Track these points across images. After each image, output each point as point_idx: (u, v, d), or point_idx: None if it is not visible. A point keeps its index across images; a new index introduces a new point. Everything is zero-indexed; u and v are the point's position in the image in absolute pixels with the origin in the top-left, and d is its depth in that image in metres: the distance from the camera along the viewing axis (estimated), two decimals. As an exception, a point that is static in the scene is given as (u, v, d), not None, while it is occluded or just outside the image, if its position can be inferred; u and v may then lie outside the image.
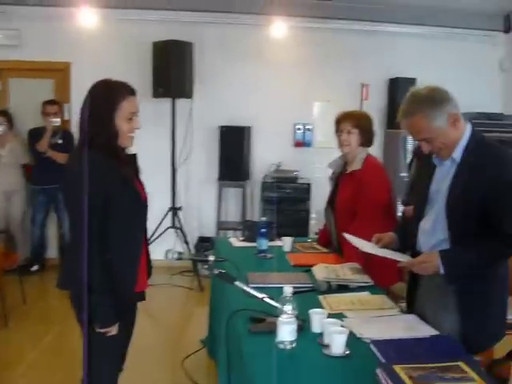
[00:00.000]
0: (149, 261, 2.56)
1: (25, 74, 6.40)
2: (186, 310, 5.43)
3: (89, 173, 2.12)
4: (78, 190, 2.13)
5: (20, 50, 6.25)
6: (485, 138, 2.38)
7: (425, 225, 2.46)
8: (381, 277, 3.14)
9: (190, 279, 6.10)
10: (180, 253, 2.32)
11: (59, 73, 6.39)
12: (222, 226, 6.52)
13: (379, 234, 2.75)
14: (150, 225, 5.90)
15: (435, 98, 2.26)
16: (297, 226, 6.27)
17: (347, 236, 2.91)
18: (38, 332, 4.52)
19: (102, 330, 2.24)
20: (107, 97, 2.30)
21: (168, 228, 6.08)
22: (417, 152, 3.69)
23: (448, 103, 2.27)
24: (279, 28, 6.47)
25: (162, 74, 5.86)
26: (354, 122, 3.50)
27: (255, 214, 6.61)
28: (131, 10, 6.22)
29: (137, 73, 6.11)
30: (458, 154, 2.32)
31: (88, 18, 6.14)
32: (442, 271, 2.27)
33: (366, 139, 3.53)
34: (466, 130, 2.33)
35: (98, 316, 2.22)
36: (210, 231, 6.59)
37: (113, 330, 2.26)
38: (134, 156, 2.48)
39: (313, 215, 5.54)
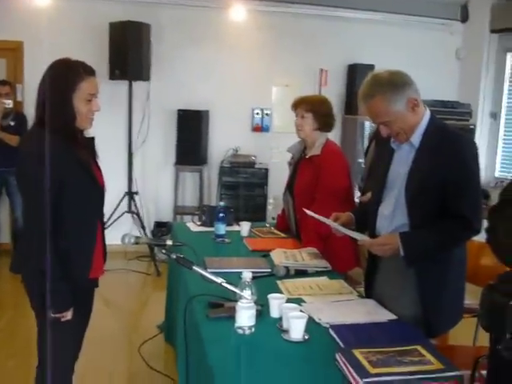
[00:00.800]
0: (104, 247, 2.51)
1: (-26, 53, 6.17)
2: (143, 296, 5.38)
3: (43, 155, 2.05)
4: (31, 173, 2.07)
5: (-32, 27, 6.02)
6: (444, 124, 2.41)
7: (383, 210, 2.47)
8: (339, 262, 3.17)
9: (147, 264, 6.04)
10: (137, 237, 2.28)
11: (11, 52, 6.17)
12: (179, 210, 6.46)
13: (337, 213, 2.75)
14: (106, 209, 5.83)
15: (396, 82, 2.27)
16: (254, 211, 6.30)
17: (308, 212, 2.89)
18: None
19: (57, 315, 2.19)
20: (65, 77, 2.23)
21: (124, 213, 5.99)
22: (374, 137, 3.70)
23: (408, 87, 2.28)
24: (238, 11, 6.40)
25: (119, 55, 5.74)
26: (307, 107, 3.50)
27: (213, 198, 6.57)
28: (87, -12, 6.05)
29: (93, 54, 5.93)
30: (416, 138, 2.34)
31: (40, -5, 5.94)
32: (401, 253, 2.28)
33: (322, 124, 3.51)
34: (425, 115, 2.35)
35: (52, 301, 2.17)
36: (167, 216, 6.52)
37: (67, 315, 2.22)
38: (91, 139, 2.42)
39: (270, 200, 5.54)
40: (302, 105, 3.52)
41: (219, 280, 2.21)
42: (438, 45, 6.91)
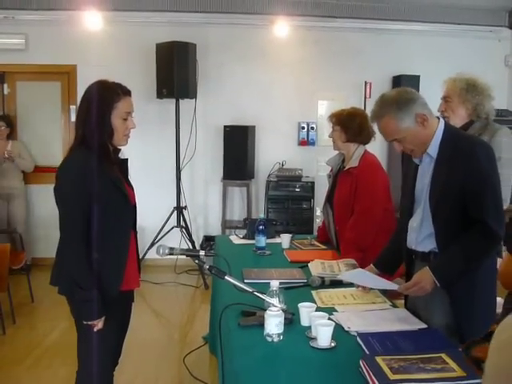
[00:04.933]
0: (138, 261, 2.63)
1: (32, 78, 6.50)
2: (191, 308, 5.49)
3: (78, 172, 2.19)
4: (66, 189, 2.22)
5: (27, 53, 6.36)
6: (458, 132, 2.42)
7: (413, 223, 2.50)
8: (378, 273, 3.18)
9: (196, 278, 6.17)
10: (171, 248, 2.37)
11: (65, 75, 6.49)
12: (227, 224, 6.57)
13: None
14: (156, 225, 6.04)
15: (400, 100, 2.30)
16: (301, 224, 6.34)
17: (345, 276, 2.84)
18: (45, 329, 4.63)
19: (89, 323, 2.32)
20: (104, 96, 2.37)
21: (173, 227, 6.14)
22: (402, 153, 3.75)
23: (414, 104, 2.30)
24: (282, 27, 6.50)
25: (166, 75, 5.92)
26: (336, 120, 3.60)
27: (260, 212, 6.64)
28: (135, 12, 6.29)
29: (141, 74, 6.22)
30: (433, 150, 2.36)
31: (93, 21, 6.23)
32: (438, 284, 2.30)
33: (351, 136, 3.55)
34: (439, 126, 2.36)
35: (82, 310, 2.32)
36: (215, 230, 6.64)
37: (99, 325, 2.34)
38: (125, 160, 2.55)
39: (317, 213, 5.57)
40: (333, 118, 3.63)
41: (250, 289, 2.28)
42: (486, 52, 6.79)
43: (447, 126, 2.39)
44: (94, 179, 2.26)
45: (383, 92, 2.48)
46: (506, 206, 2.62)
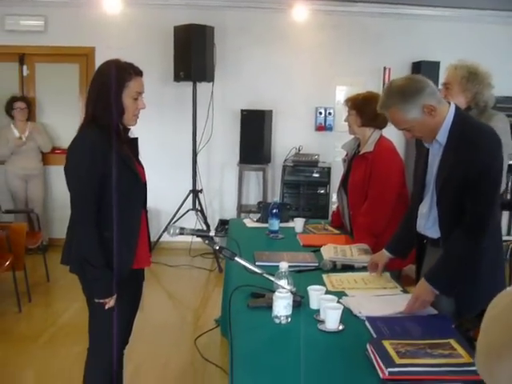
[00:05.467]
0: (149, 240, 2.64)
1: (51, 59, 6.52)
2: (205, 291, 5.51)
3: (87, 150, 2.20)
4: (75, 167, 2.23)
5: (46, 35, 6.37)
6: (467, 119, 2.37)
7: (422, 209, 2.49)
8: (392, 259, 3.15)
9: (211, 261, 6.19)
10: (181, 228, 2.38)
11: (84, 57, 6.50)
12: (242, 209, 6.57)
13: (373, 260, 2.82)
14: (173, 207, 6.06)
15: (407, 91, 2.26)
16: (317, 209, 6.32)
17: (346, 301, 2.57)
18: (59, 308, 4.70)
19: (101, 301, 2.33)
20: (116, 75, 2.38)
21: (189, 210, 6.15)
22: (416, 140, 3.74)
23: (421, 95, 2.25)
24: (301, 11, 6.43)
25: (183, 58, 5.90)
26: (351, 104, 3.55)
27: (276, 197, 6.63)
28: (153, -6, 6.28)
29: (159, 57, 6.22)
30: (442, 136, 2.33)
31: (111, 4, 6.21)
32: (437, 292, 2.28)
33: (367, 120, 3.50)
34: (449, 112, 2.32)
35: (94, 288, 2.35)
36: (231, 214, 6.64)
37: (110, 303, 2.36)
38: (135, 139, 2.56)
39: (333, 199, 5.54)
40: (348, 102, 3.58)
41: (259, 271, 2.28)
42: (507, 38, 6.65)
43: (457, 112, 2.34)
44: (104, 157, 2.27)
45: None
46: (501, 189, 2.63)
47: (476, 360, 0.88)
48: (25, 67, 6.53)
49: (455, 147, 2.28)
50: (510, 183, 6.39)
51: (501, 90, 5.94)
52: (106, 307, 2.35)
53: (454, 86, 2.96)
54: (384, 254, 2.78)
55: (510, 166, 5.46)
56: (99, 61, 2.42)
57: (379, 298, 2.46)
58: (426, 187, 2.48)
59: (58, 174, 6.45)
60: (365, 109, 3.49)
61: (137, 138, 2.55)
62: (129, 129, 2.50)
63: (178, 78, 5.99)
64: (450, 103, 2.36)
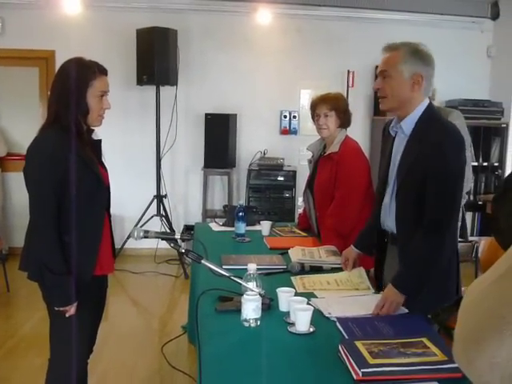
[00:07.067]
0: (113, 246, 2.55)
1: (9, 63, 6.33)
2: (171, 298, 5.42)
3: (47, 152, 2.11)
4: (34, 170, 2.14)
5: (3, 38, 6.20)
6: (435, 116, 2.38)
7: (385, 200, 2.49)
8: (362, 257, 3.13)
9: (176, 267, 6.09)
10: (146, 231, 2.30)
11: (44, 61, 6.33)
12: (207, 213, 6.49)
13: (344, 256, 2.84)
14: (136, 213, 5.95)
15: (421, 51, 2.30)
16: (283, 213, 6.28)
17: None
18: (21, 318, 4.55)
19: (61, 309, 2.24)
20: (80, 74, 2.30)
21: (153, 216, 6.05)
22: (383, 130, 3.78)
23: (424, 65, 2.29)
24: (264, 15, 6.40)
25: (146, 61, 5.81)
26: (329, 105, 3.49)
27: (242, 201, 6.58)
28: (115, -4, 6.17)
29: (121, 60, 6.11)
30: (408, 126, 2.34)
31: (72, 6, 6.06)
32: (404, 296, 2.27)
33: (343, 121, 3.51)
34: (422, 105, 2.33)
35: (54, 296, 2.25)
36: (196, 219, 6.54)
37: (71, 310, 2.27)
38: (99, 141, 2.47)
39: (299, 203, 5.52)
40: (324, 103, 3.51)
41: (226, 273, 2.22)
42: (468, 43, 6.78)
43: (429, 107, 2.35)
44: (66, 159, 2.18)
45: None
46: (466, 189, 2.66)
47: (454, 350, 0.85)
48: (-19, 71, 6.35)
49: (419, 140, 2.28)
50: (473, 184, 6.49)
51: (460, 94, 6.09)
52: (67, 315, 2.25)
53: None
54: (352, 250, 2.79)
55: (474, 167, 5.55)
56: (59, 64, 2.35)
57: (348, 299, 2.43)
58: (389, 178, 2.47)
59: (16, 181, 6.28)
60: (341, 109, 3.49)
61: (100, 140, 2.46)
62: (93, 130, 2.42)
63: (141, 81, 5.90)
64: (428, 99, 2.37)
